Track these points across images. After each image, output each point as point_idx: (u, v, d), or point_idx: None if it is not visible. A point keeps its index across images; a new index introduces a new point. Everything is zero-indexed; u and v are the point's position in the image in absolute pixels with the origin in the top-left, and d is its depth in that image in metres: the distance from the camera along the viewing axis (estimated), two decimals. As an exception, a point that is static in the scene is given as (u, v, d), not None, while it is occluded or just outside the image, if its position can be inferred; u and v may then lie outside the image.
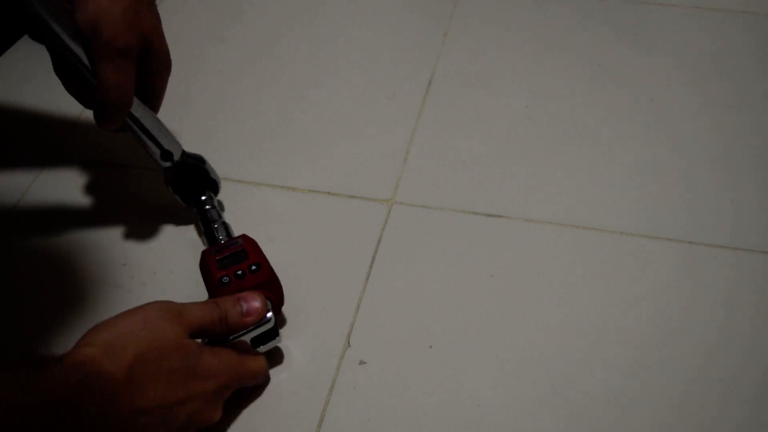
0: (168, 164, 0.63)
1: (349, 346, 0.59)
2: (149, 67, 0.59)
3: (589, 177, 0.71)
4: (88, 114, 0.78)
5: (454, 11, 0.89)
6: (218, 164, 0.67)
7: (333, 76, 0.82)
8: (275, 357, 0.58)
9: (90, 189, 0.72)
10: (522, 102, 0.78)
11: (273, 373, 0.58)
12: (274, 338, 0.57)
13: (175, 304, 0.52)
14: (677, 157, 0.72)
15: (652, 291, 0.62)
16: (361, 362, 0.58)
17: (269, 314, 0.55)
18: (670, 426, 0.54)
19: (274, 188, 0.71)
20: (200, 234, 0.67)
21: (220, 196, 0.68)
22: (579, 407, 0.55)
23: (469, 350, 0.58)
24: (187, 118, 0.77)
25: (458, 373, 0.57)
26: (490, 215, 0.68)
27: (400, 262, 0.65)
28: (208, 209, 0.65)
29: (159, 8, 0.60)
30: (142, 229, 0.68)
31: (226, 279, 0.57)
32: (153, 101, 0.61)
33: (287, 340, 0.59)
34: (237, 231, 0.64)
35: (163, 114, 0.63)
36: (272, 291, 0.58)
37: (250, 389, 0.56)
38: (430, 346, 0.59)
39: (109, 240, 0.67)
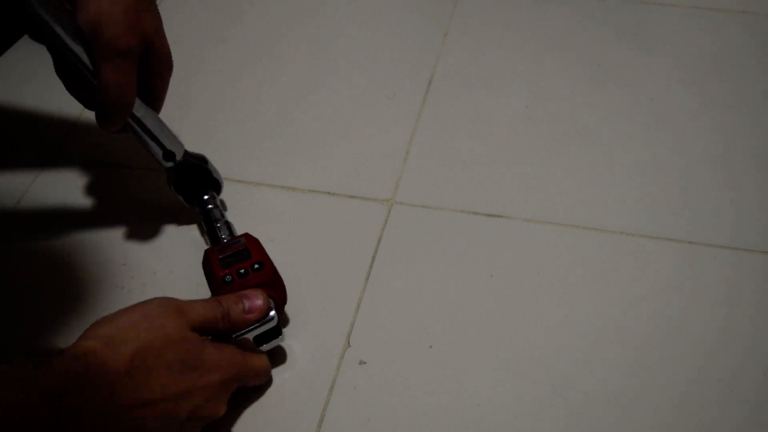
0: (170, 164, 0.63)
1: (349, 346, 0.59)
2: (150, 67, 0.59)
3: (589, 177, 0.71)
4: (88, 114, 0.78)
5: (454, 11, 0.89)
6: (218, 164, 0.67)
7: (333, 76, 0.82)
8: (278, 356, 0.58)
9: (90, 189, 0.72)
10: (522, 102, 0.78)
11: (275, 372, 0.58)
12: (277, 337, 0.57)
13: (177, 300, 0.52)
14: (677, 157, 0.72)
15: (652, 291, 0.62)
16: (361, 362, 0.58)
17: (272, 313, 0.55)
18: (670, 426, 0.54)
19: (274, 188, 0.71)
20: (203, 233, 0.67)
21: (220, 196, 0.68)
22: (579, 407, 0.55)
23: (469, 350, 0.58)
24: (187, 118, 0.77)
25: (458, 373, 0.57)
26: (490, 215, 0.68)
27: (400, 262, 0.65)
28: (211, 208, 0.65)
29: (159, 8, 0.60)
30: (142, 229, 0.68)
31: (229, 278, 0.57)
32: (155, 101, 0.61)
33: (289, 339, 0.59)
34: (237, 231, 0.64)
35: (162, 114, 0.63)
36: (275, 290, 0.58)
37: (252, 389, 0.56)
38: (430, 346, 0.59)
39: (109, 240, 0.67)
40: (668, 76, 0.80)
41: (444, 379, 0.57)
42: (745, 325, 0.59)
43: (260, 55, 0.85)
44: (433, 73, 0.82)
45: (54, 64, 0.59)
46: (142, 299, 0.52)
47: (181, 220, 0.69)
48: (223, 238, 0.62)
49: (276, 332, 0.56)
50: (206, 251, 0.60)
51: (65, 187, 0.72)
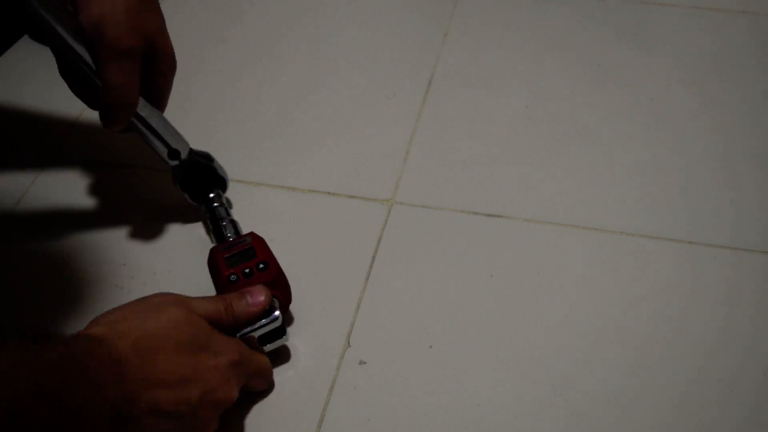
0: (176, 163, 0.63)
1: (349, 346, 0.59)
2: (154, 67, 0.59)
3: (589, 177, 0.71)
4: (88, 114, 0.78)
5: (454, 11, 0.89)
6: (218, 164, 0.67)
7: (333, 76, 0.82)
8: (279, 356, 0.58)
9: (90, 189, 0.72)
10: (522, 102, 0.78)
11: (278, 372, 0.57)
12: (282, 337, 0.57)
13: (180, 294, 0.52)
14: (677, 157, 0.72)
15: (652, 291, 0.62)
16: (361, 362, 0.58)
17: (277, 313, 0.55)
18: (670, 426, 0.54)
19: (274, 188, 0.71)
20: (208, 231, 0.67)
21: (226, 194, 0.68)
22: (579, 407, 0.55)
23: (469, 350, 0.58)
24: (187, 118, 0.77)
25: (458, 373, 0.57)
26: (490, 215, 0.68)
27: (400, 262, 0.65)
28: (216, 207, 0.65)
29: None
30: (142, 229, 0.68)
31: (234, 277, 0.57)
32: (158, 101, 0.62)
33: (290, 339, 0.59)
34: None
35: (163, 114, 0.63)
36: (280, 289, 0.58)
37: (254, 395, 0.56)
38: (430, 346, 0.59)
39: (109, 240, 0.67)
40: (668, 76, 0.80)
41: (444, 379, 0.57)
42: (745, 325, 0.59)
43: (260, 55, 0.85)
44: (433, 73, 0.82)
45: (58, 66, 0.59)
46: (142, 299, 0.52)
47: (184, 219, 0.69)
48: (229, 237, 0.63)
49: (280, 332, 0.57)
50: (212, 249, 0.61)
51: (65, 187, 0.72)
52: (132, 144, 0.67)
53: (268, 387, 0.57)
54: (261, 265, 0.58)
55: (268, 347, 0.56)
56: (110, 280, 0.64)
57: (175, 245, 0.67)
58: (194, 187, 0.66)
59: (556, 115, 0.77)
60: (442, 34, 0.87)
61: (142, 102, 0.59)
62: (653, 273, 0.63)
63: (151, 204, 0.70)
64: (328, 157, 0.74)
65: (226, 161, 0.67)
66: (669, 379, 0.56)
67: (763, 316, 0.60)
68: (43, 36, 0.56)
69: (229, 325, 0.53)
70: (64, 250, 0.67)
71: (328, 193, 0.71)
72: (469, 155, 0.73)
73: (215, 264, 0.59)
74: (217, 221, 0.64)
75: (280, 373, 0.58)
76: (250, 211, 0.69)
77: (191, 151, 0.64)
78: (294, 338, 0.59)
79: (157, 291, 0.62)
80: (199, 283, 0.62)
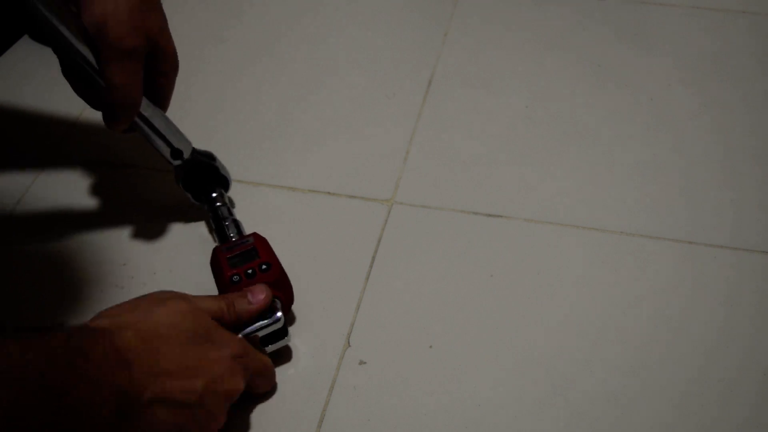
0: (178, 162, 0.63)
1: (349, 346, 0.59)
2: (156, 66, 0.59)
3: (589, 177, 0.71)
4: (88, 114, 0.78)
5: (454, 11, 0.89)
6: (218, 164, 0.67)
7: (333, 76, 0.82)
8: (282, 355, 0.58)
9: (90, 189, 0.72)
10: (522, 102, 0.78)
11: (278, 371, 0.57)
12: (284, 338, 0.57)
13: (181, 292, 0.52)
14: (677, 157, 0.72)
15: (652, 291, 0.62)
16: (361, 362, 0.58)
17: (279, 314, 0.55)
18: (670, 426, 0.54)
19: (274, 188, 0.71)
20: (211, 231, 0.67)
21: (228, 193, 0.68)
22: (579, 407, 0.55)
23: (469, 350, 0.58)
24: (187, 118, 0.77)
25: (458, 373, 0.57)
26: (490, 215, 0.68)
27: (400, 262, 0.65)
28: (219, 206, 0.65)
29: (159, 8, 0.60)
30: (142, 229, 0.68)
31: (236, 278, 0.57)
32: (161, 101, 0.62)
33: (292, 338, 0.59)
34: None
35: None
36: (282, 290, 0.58)
37: (255, 398, 0.56)
38: (430, 346, 0.59)
39: (109, 240, 0.67)
40: (668, 76, 0.80)
41: (444, 379, 0.57)
42: (745, 325, 0.59)
43: (260, 55, 0.85)
44: (433, 73, 0.82)
45: (61, 66, 0.59)
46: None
47: (185, 219, 0.69)
48: (232, 237, 0.63)
49: (283, 333, 0.57)
50: (215, 249, 0.61)
51: (65, 187, 0.72)
52: (132, 144, 0.67)
53: (271, 389, 0.56)
54: (264, 266, 0.58)
55: (270, 348, 0.56)
56: (110, 280, 0.64)
57: (175, 245, 0.67)
58: (197, 186, 0.66)
59: (556, 115, 0.77)
60: (442, 34, 0.87)
61: (144, 102, 0.59)
62: (653, 273, 0.63)
63: (151, 204, 0.70)
64: (328, 157, 0.74)
65: (226, 161, 0.67)
66: (669, 379, 0.56)
67: (763, 316, 0.60)
68: (45, 36, 0.56)
69: (231, 323, 0.53)
70: (63, 250, 0.67)
71: (328, 193, 0.71)
72: (469, 155, 0.73)
73: (218, 264, 0.59)
74: (220, 221, 0.64)
75: (280, 373, 0.58)
76: (250, 211, 0.69)
77: (194, 151, 0.64)
78: (294, 338, 0.59)
79: (156, 290, 0.62)
80: (199, 283, 0.62)
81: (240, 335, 0.54)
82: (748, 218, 0.66)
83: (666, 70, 0.81)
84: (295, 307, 0.61)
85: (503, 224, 0.67)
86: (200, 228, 0.68)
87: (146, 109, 0.59)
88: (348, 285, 0.63)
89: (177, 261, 0.66)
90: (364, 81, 0.81)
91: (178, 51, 0.61)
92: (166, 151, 0.63)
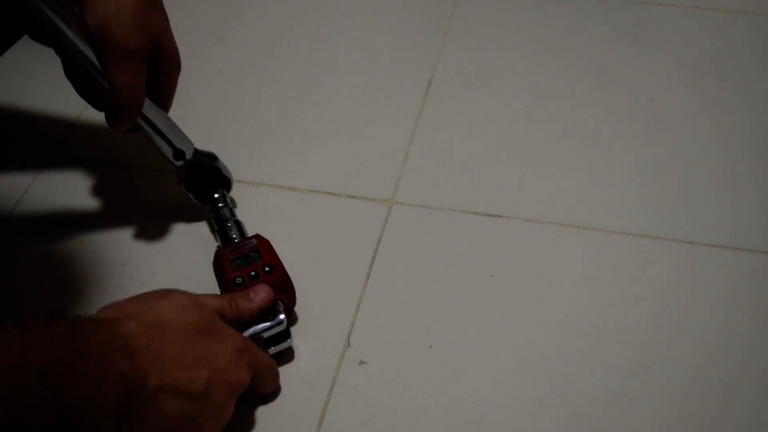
0: (180, 163, 0.63)
1: (349, 346, 0.59)
2: (159, 67, 0.59)
3: (589, 177, 0.71)
4: (88, 114, 0.78)
5: (454, 11, 0.89)
6: (218, 164, 0.67)
7: (333, 76, 0.82)
8: (282, 356, 0.58)
9: (90, 189, 0.72)
10: (522, 102, 0.78)
11: (281, 369, 0.57)
12: (286, 340, 0.57)
13: (183, 289, 0.53)
14: (677, 157, 0.72)
15: (652, 291, 0.62)
16: (361, 362, 0.58)
17: (282, 316, 0.56)
18: (670, 426, 0.54)
19: (274, 188, 0.71)
20: (213, 232, 0.67)
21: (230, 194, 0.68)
22: (579, 407, 0.55)
23: (469, 350, 0.58)
24: (187, 117, 0.77)
25: (458, 373, 0.57)
26: (490, 215, 0.68)
27: (400, 262, 0.65)
28: (221, 207, 0.65)
29: (159, 8, 0.60)
30: (142, 229, 0.68)
31: (239, 280, 0.57)
32: (163, 101, 0.62)
33: (293, 338, 0.59)
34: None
35: (163, 114, 0.63)
36: (284, 293, 0.58)
37: (259, 399, 0.56)
38: (430, 346, 0.59)
39: (109, 240, 0.67)
40: (668, 76, 0.80)
41: (444, 379, 0.57)
42: (745, 325, 0.59)
43: (260, 55, 0.85)
44: (433, 73, 0.82)
45: (64, 68, 0.59)
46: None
47: (185, 219, 0.69)
48: (234, 238, 0.63)
49: (285, 335, 0.57)
50: (217, 251, 0.61)
51: (65, 187, 0.72)
52: (132, 144, 0.67)
53: (275, 391, 0.56)
54: (267, 269, 0.58)
55: (273, 350, 0.56)
56: (110, 281, 0.64)
57: (175, 245, 0.67)
58: (199, 187, 0.66)
59: (556, 115, 0.77)
60: (442, 34, 0.87)
61: (147, 102, 0.59)
62: (653, 273, 0.63)
63: (151, 204, 0.70)
64: (328, 157, 0.74)
65: (226, 161, 0.67)
66: (669, 379, 0.56)
67: (763, 316, 0.60)
68: (47, 37, 0.56)
69: (233, 320, 0.54)
70: (63, 251, 0.67)
71: (328, 193, 0.71)
72: (469, 155, 0.73)
73: (220, 266, 0.59)
74: (222, 222, 0.64)
75: (281, 374, 0.58)
76: (250, 211, 0.69)
77: (196, 151, 0.64)
78: (294, 338, 0.59)
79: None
80: (200, 283, 0.62)
81: (244, 334, 0.54)
82: (748, 218, 0.66)
83: (666, 70, 0.81)
84: (295, 307, 0.61)
85: (503, 224, 0.67)
86: (201, 228, 0.68)
87: (149, 109, 0.59)
88: (348, 285, 0.63)
89: (177, 261, 0.66)
90: (364, 81, 0.81)
91: (178, 50, 0.61)
92: (168, 152, 0.63)
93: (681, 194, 0.69)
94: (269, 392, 0.56)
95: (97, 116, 0.61)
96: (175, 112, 0.63)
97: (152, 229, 0.68)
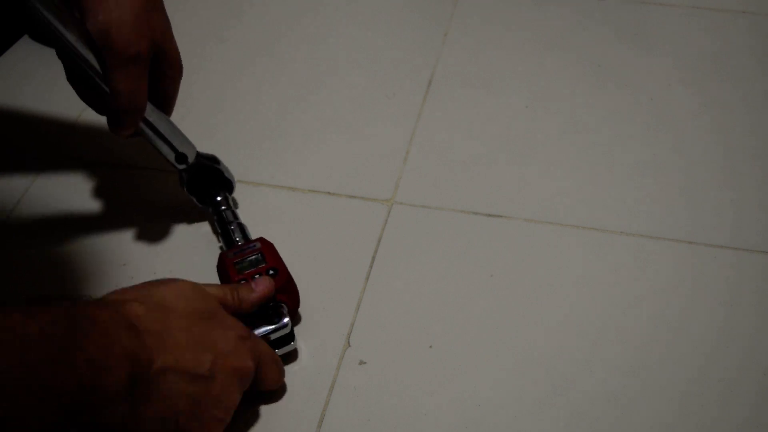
0: (183, 166, 0.63)
1: (349, 346, 0.59)
2: (160, 70, 0.59)
3: (589, 177, 0.71)
4: (87, 114, 0.78)
5: (454, 11, 0.89)
6: (218, 164, 0.67)
7: (333, 76, 0.82)
8: (282, 356, 0.58)
9: (90, 189, 0.72)
10: (522, 102, 0.78)
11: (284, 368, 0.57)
12: (290, 342, 0.57)
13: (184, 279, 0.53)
14: (677, 157, 0.72)
15: (652, 291, 0.62)
16: (361, 362, 0.58)
17: (286, 319, 0.56)
18: (670, 426, 0.54)
19: (274, 188, 0.71)
20: (216, 234, 0.67)
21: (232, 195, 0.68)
22: (579, 407, 0.55)
23: (469, 350, 0.58)
24: (187, 117, 0.77)
25: (458, 373, 0.57)
26: (490, 215, 0.68)
27: (400, 262, 0.65)
28: (224, 210, 0.65)
29: (159, 8, 0.60)
30: (142, 229, 0.68)
31: (243, 283, 0.57)
32: (165, 104, 0.62)
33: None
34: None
35: (163, 114, 0.63)
36: (288, 295, 0.58)
37: (256, 398, 0.56)
38: (430, 346, 0.59)
39: (109, 240, 0.67)
40: (668, 76, 0.80)
41: (444, 379, 0.57)
42: (745, 325, 0.59)
43: (260, 55, 0.85)
44: (433, 73, 0.82)
45: (66, 72, 0.59)
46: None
47: (186, 219, 0.69)
48: (237, 241, 0.63)
49: (289, 338, 0.57)
50: (221, 254, 0.61)
51: (65, 188, 0.72)
52: (132, 145, 0.67)
53: (280, 387, 0.56)
54: (270, 272, 0.58)
55: (277, 353, 0.56)
56: (110, 281, 0.64)
57: (176, 246, 0.67)
58: (201, 189, 0.66)
59: (556, 115, 0.77)
60: (442, 34, 0.87)
61: (149, 107, 0.59)
62: (653, 273, 0.63)
63: (151, 204, 0.70)
64: (328, 157, 0.74)
65: (226, 161, 0.67)
66: (669, 379, 0.56)
67: (763, 316, 0.60)
68: (49, 41, 0.56)
69: (235, 309, 0.54)
70: (63, 251, 0.67)
71: (328, 193, 0.71)
72: (469, 155, 0.73)
73: (224, 269, 0.60)
74: (225, 225, 0.64)
75: (289, 368, 0.57)
76: (250, 211, 0.69)
77: (197, 154, 0.64)
78: (295, 338, 0.59)
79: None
80: (200, 282, 0.62)
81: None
82: (748, 218, 0.66)
83: (666, 70, 0.81)
84: (295, 308, 0.61)
85: (503, 224, 0.67)
86: (201, 228, 0.68)
87: (151, 114, 0.59)
88: (348, 285, 0.63)
89: (178, 262, 0.66)
90: (364, 81, 0.81)
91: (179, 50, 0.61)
92: (170, 156, 0.63)
93: (681, 194, 0.69)
94: (275, 387, 0.56)
95: (97, 117, 0.61)
96: (176, 113, 0.63)
97: (152, 230, 0.68)
